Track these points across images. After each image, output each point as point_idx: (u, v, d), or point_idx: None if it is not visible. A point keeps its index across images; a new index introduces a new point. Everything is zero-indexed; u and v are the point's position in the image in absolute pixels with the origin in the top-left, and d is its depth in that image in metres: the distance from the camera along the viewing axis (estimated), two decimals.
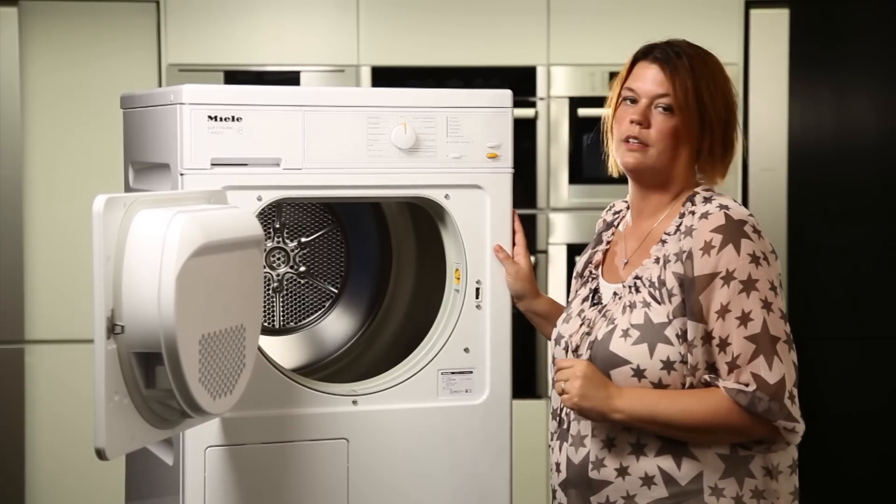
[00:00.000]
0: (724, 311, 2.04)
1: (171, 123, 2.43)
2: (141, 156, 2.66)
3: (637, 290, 2.12)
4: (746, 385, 2.02)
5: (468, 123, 2.56)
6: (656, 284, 2.10)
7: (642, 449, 2.09)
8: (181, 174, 2.40)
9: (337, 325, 3.02)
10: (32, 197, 4.19)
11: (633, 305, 2.11)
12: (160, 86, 4.13)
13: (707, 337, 2.06)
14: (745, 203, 4.28)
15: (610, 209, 2.41)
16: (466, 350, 2.60)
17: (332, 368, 2.95)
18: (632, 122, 2.18)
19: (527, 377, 4.21)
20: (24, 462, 4.19)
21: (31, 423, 4.19)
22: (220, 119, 2.41)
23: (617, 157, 2.23)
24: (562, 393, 2.10)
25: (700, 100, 2.15)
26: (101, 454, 1.99)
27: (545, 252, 4.24)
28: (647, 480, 2.09)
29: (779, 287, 2.07)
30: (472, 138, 2.56)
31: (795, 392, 2.05)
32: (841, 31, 4.33)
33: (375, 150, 2.51)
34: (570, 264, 4.21)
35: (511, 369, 2.62)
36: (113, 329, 2.01)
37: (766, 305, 2.04)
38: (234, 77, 4.15)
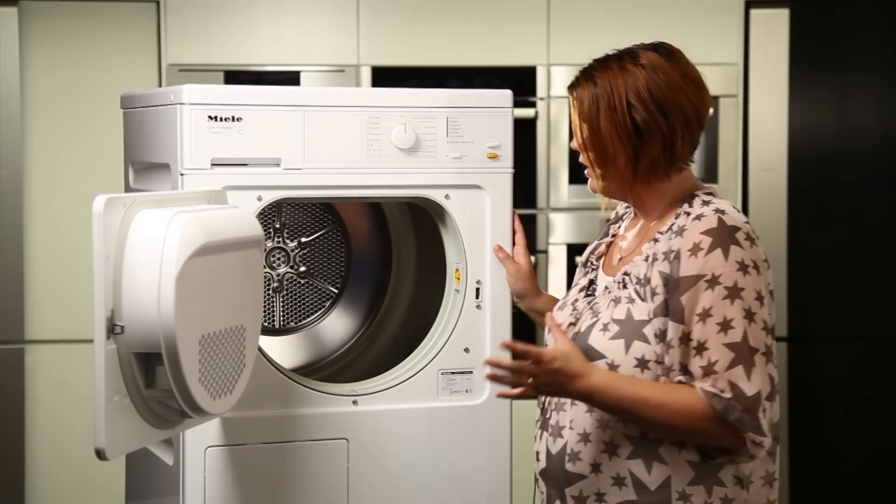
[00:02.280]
0: (705, 315, 2.02)
1: (171, 123, 2.43)
2: (141, 156, 2.66)
3: (624, 286, 2.12)
4: (722, 391, 2.00)
5: (468, 123, 2.56)
6: (642, 281, 2.09)
7: (615, 449, 2.09)
8: (181, 174, 2.40)
9: (337, 325, 3.01)
10: (32, 197, 4.18)
11: (618, 301, 2.11)
12: (160, 86, 4.13)
13: (685, 338, 2.04)
14: (744, 203, 4.28)
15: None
16: (466, 350, 2.60)
17: (332, 368, 2.95)
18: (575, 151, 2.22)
19: None
20: (24, 462, 4.19)
21: (31, 423, 4.19)
22: (220, 119, 2.41)
23: None
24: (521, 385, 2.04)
25: (608, 102, 2.11)
26: (100, 454, 2.00)
27: (545, 252, 4.24)
28: (619, 481, 2.08)
29: (767, 297, 2.04)
30: (472, 138, 2.56)
31: (768, 406, 2.02)
32: (841, 31, 4.33)
33: (375, 150, 2.51)
34: (570, 264, 4.21)
35: None
36: (113, 329, 2.01)
37: (749, 315, 2.01)
38: (234, 77, 4.15)
